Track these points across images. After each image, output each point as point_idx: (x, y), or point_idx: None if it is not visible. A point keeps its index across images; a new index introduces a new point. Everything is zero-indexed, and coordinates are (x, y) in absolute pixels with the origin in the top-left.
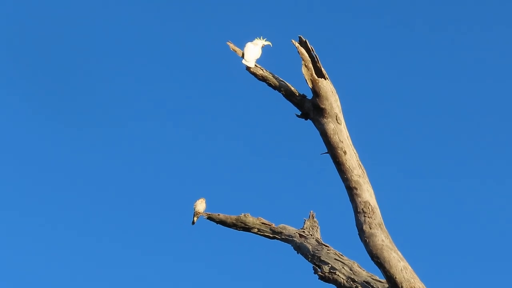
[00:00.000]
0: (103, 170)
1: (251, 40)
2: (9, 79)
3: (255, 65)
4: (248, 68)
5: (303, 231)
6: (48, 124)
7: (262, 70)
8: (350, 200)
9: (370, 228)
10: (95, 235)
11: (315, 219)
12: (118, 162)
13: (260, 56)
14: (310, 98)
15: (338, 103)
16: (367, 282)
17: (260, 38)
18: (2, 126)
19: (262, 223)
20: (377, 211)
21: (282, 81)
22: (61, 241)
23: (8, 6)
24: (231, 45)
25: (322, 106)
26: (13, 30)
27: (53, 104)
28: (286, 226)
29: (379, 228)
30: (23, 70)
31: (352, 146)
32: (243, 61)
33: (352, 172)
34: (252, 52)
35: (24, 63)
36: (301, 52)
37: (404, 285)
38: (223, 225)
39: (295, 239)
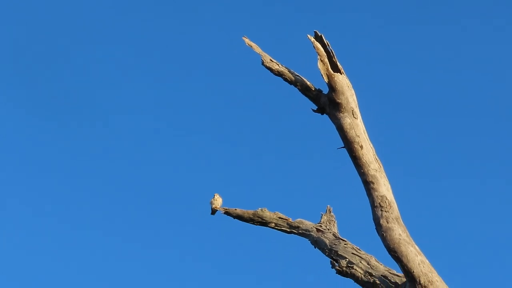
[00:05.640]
0: (118, 168)
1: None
2: None
3: (271, 60)
4: (263, 62)
5: (320, 226)
6: (42, 122)
7: (278, 65)
8: (367, 195)
9: (387, 222)
10: (107, 234)
11: (332, 213)
12: (136, 157)
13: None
14: (326, 93)
15: (354, 97)
16: (385, 276)
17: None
18: None
19: (279, 217)
20: (394, 205)
21: (298, 76)
22: (65, 240)
23: None
24: (247, 40)
25: (338, 100)
26: None
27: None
28: (303, 220)
29: (396, 222)
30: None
31: (369, 141)
32: None
33: (369, 167)
34: None
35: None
36: (316, 47)
37: (421, 279)
38: (240, 219)
39: (312, 233)
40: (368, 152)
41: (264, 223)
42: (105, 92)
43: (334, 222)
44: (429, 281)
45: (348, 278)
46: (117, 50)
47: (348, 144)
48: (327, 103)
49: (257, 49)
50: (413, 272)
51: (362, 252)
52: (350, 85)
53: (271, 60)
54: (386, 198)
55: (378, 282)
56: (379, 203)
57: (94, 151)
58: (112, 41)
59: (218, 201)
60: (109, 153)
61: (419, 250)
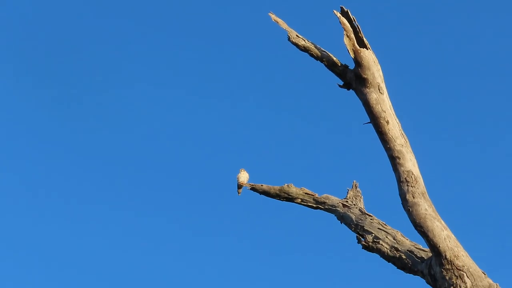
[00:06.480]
0: (142, 143)
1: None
2: None
3: (297, 36)
4: (289, 38)
5: (347, 201)
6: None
7: (304, 40)
8: (393, 170)
9: (413, 197)
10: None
11: (358, 188)
12: (158, 134)
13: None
14: (352, 68)
15: (380, 72)
16: (411, 251)
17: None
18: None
19: (306, 193)
20: (420, 180)
21: (324, 51)
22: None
23: None
24: (273, 16)
25: (364, 76)
26: None
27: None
28: (330, 196)
29: (422, 197)
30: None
31: (395, 116)
32: None
33: (395, 142)
34: None
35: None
36: (342, 22)
37: (447, 254)
38: (266, 195)
39: (338, 209)
40: (394, 127)
41: (290, 198)
42: (129, 64)
43: (360, 197)
44: (455, 256)
45: (374, 253)
46: (143, 23)
47: (374, 119)
48: (353, 79)
49: (283, 24)
50: (439, 246)
51: (388, 227)
52: (376, 60)
53: (297, 35)
54: (412, 173)
55: (404, 257)
56: (405, 178)
57: (120, 128)
58: (134, 18)
59: (244, 176)
60: (132, 130)
61: (445, 224)
